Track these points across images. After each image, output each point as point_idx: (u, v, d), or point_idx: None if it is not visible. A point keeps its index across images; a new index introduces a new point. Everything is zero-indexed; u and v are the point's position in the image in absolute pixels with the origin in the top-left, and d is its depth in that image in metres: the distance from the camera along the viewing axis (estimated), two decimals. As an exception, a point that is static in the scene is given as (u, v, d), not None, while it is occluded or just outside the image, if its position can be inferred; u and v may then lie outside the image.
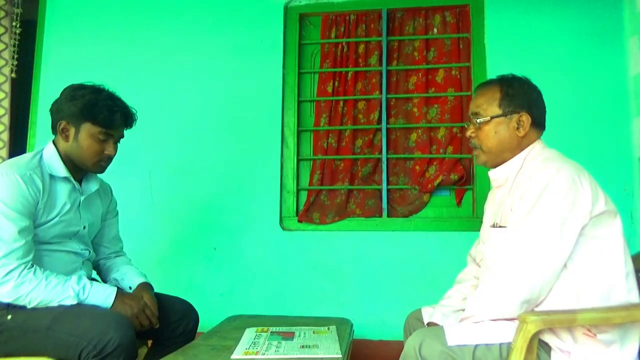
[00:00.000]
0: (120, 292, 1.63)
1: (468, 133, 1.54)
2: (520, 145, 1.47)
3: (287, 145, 2.72)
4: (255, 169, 2.68)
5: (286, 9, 2.79)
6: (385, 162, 2.64)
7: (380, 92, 2.69)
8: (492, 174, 1.54)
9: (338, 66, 2.76)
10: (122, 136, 1.72)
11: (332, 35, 2.79)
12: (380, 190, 2.65)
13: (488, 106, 1.48)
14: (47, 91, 2.87)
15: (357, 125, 2.73)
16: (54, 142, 1.68)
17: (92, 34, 2.90)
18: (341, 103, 2.75)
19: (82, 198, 1.71)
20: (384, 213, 2.61)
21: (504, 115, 1.46)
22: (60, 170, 1.64)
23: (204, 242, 2.67)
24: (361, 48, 2.77)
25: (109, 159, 1.68)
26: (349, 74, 2.75)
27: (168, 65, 2.81)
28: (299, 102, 2.76)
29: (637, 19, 2.39)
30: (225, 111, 2.74)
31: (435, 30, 2.74)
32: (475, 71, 2.62)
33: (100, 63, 2.84)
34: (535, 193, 1.33)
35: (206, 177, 2.70)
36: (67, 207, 1.65)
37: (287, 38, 2.77)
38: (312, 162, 2.75)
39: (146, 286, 1.78)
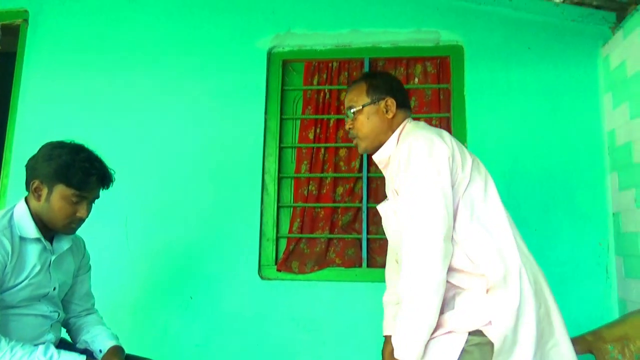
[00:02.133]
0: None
1: (347, 127, 1.73)
2: (391, 126, 1.67)
3: (267, 192, 2.70)
4: (235, 215, 2.64)
5: (269, 55, 2.80)
6: (366, 211, 2.63)
7: (362, 140, 2.70)
8: (376, 157, 1.71)
9: (320, 113, 2.77)
10: (97, 197, 1.67)
11: (315, 82, 2.80)
12: (360, 240, 2.63)
13: (358, 98, 1.68)
14: (23, 131, 2.82)
15: (338, 172, 2.72)
16: (26, 199, 1.63)
17: (73, 70, 2.86)
18: (322, 150, 2.75)
19: (53, 258, 1.66)
20: (364, 263, 2.59)
21: (372, 102, 1.67)
22: (31, 231, 1.58)
23: (180, 290, 2.61)
24: (343, 95, 2.73)
25: (81, 221, 1.63)
26: (331, 121, 2.76)
27: (148, 106, 2.78)
28: (281, 148, 2.75)
29: (611, 76, 2.46)
30: (206, 156, 2.71)
31: (416, 80, 2.77)
32: (455, 122, 2.66)
33: (79, 100, 2.81)
34: (403, 164, 1.49)
35: (184, 222, 2.65)
36: (37, 269, 1.59)
37: (269, 84, 2.78)
38: (292, 210, 2.73)
39: (117, 350, 1.71)
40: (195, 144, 2.72)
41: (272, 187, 2.70)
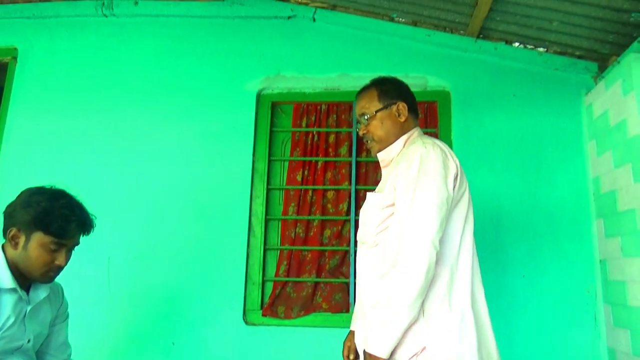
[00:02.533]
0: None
1: (361, 133, 1.75)
2: (402, 129, 1.70)
3: (254, 234, 2.66)
4: (220, 258, 2.60)
5: (259, 97, 2.81)
6: (353, 255, 2.61)
7: (350, 183, 2.70)
8: (381, 155, 1.73)
9: (308, 155, 2.77)
10: (77, 244, 1.63)
11: (303, 124, 2.82)
12: (347, 284, 2.59)
13: (370, 105, 1.71)
14: (6, 171, 2.76)
15: (325, 215, 2.71)
16: (2, 247, 1.58)
17: (60, 109, 2.84)
18: (310, 192, 2.73)
19: (29, 308, 1.60)
20: (352, 308, 2.54)
21: (384, 107, 1.69)
22: (7, 281, 1.53)
23: (162, 335, 2.53)
24: (332, 138, 2.80)
25: (59, 269, 1.59)
26: (319, 163, 2.75)
27: (136, 146, 2.75)
28: (268, 190, 2.73)
29: (595, 124, 2.51)
30: (192, 196, 2.67)
31: (404, 123, 2.79)
32: (443, 166, 2.66)
33: (65, 140, 2.79)
34: (414, 163, 1.50)
35: (168, 265, 2.59)
36: (11, 320, 1.53)
37: (258, 125, 2.78)
38: (279, 252, 2.69)
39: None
40: (181, 185, 2.69)
41: (258, 229, 2.66)
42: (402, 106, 1.69)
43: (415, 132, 1.71)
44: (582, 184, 2.55)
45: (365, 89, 1.77)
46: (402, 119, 1.68)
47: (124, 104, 2.80)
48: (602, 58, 2.59)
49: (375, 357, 1.40)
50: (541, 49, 2.69)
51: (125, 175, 2.71)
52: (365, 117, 1.71)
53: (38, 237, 1.52)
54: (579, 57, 2.65)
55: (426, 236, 1.40)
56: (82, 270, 2.38)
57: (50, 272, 1.58)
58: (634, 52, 2.14)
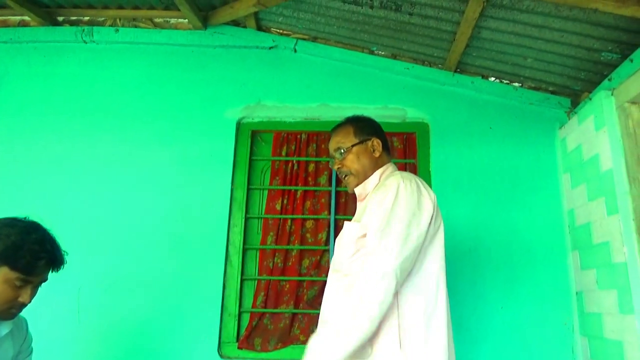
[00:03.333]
0: None
1: (335, 167, 1.79)
2: (377, 164, 1.75)
3: (231, 264, 2.61)
4: (196, 288, 2.53)
5: (239, 125, 2.81)
6: (332, 286, 2.57)
7: (329, 213, 2.69)
8: (357, 189, 1.77)
9: (288, 184, 2.76)
10: (45, 281, 1.56)
11: (283, 153, 2.81)
12: (326, 316, 2.55)
13: (346, 140, 1.76)
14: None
15: (304, 244, 2.68)
16: (-36, 279, 1.51)
17: (36, 134, 2.78)
18: (289, 221, 2.71)
19: (-10, 344, 1.52)
20: (329, 341, 2.49)
21: (360, 142, 1.75)
22: (-34, 317, 1.45)
23: (132, 370, 2.43)
24: (311, 167, 2.80)
25: (22, 306, 1.51)
26: (298, 193, 2.74)
27: (112, 173, 2.70)
28: (246, 219, 2.69)
29: (568, 158, 2.57)
30: (168, 224, 2.62)
31: (383, 154, 2.82)
32: (422, 196, 2.68)
33: (39, 165, 2.72)
34: (388, 197, 1.53)
35: (141, 296, 2.51)
36: (-30, 358, 1.45)
37: (237, 153, 2.76)
38: (256, 282, 2.64)
39: None
40: (157, 213, 2.63)
41: (236, 259, 2.62)
42: (377, 142, 1.75)
43: (390, 167, 1.77)
44: (557, 216, 2.59)
45: (340, 125, 1.82)
46: (377, 155, 1.75)
47: (101, 131, 2.76)
48: (574, 94, 2.68)
49: None
50: (516, 84, 2.77)
51: (99, 203, 2.65)
52: (341, 152, 1.75)
53: (4, 272, 1.45)
54: (553, 92, 2.73)
55: (388, 266, 1.42)
56: (50, 301, 2.28)
57: (12, 309, 1.50)
58: (605, 90, 2.22)
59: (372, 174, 1.74)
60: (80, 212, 2.64)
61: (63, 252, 1.59)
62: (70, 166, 2.71)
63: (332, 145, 1.79)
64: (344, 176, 1.78)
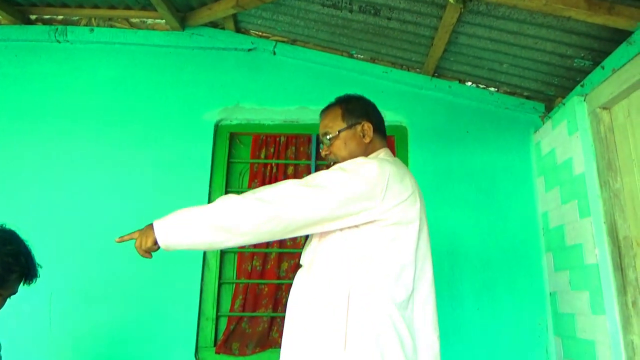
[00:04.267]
0: None
1: (323, 153, 1.65)
2: (367, 151, 1.60)
3: (208, 267, 2.58)
4: (173, 292, 2.49)
5: (217, 127, 2.78)
6: (311, 289, 2.57)
7: (308, 216, 2.68)
8: None
9: (266, 187, 2.74)
10: (15, 293, 1.52)
11: (262, 156, 2.80)
12: (304, 319, 2.54)
13: (334, 124, 1.61)
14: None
15: (283, 247, 2.67)
16: None
17: (6, 136, 2.70)
18: (268, 224, 2.69)
19: (-43, 353, 1.47)
20: (308, 344, 2.49)
21: (348, 127, 1.60)
22: None
23: (106, 376, 2.38)
24: (290, 170, 2.79)
25: None
26: (277, 195, 2.73)
27: (85, 176, 2.64)
28: (225, 222, 2.67)
29: (543, 161, 2.62)
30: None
31: (362, 157, 2.83)
32: (400, 199, 2.70)
33: (10, 168, 2.65)
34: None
35: (116, 300, 2.46)
36: None
37: (215, 156, 2.74)
38: (234, 286, 2.62)
39: None
40: (133, 216, 2.56)
41: (213, 263, 2.59)
42: (367, 126, 1.59)
43: (382, 153, 1.60)
44: (532, 219, 2.64)
45: (329, 106, 1.68)
46: (367, 140, 1.59)
47: (75, 133, 2.70)
48: (548, 99, 2.74)
49: (149, 229, 1.41)
50: (492, 89, 2.81)
51: (73, 206, 2.59)
52: (328, 137, 1.61)
53: None
54: (527, 97, 2.79)
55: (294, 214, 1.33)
56: (21, 307, 2.24)
57: None
58: (578, 95, 2.27)
59: None
60: (54, 215, 2.58)
61: (37, 266, 1.54)
62: (43, 169, 2.65)
63: (320, 129, 1.65)
64: (332, 163, 1.61)
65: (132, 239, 1.46)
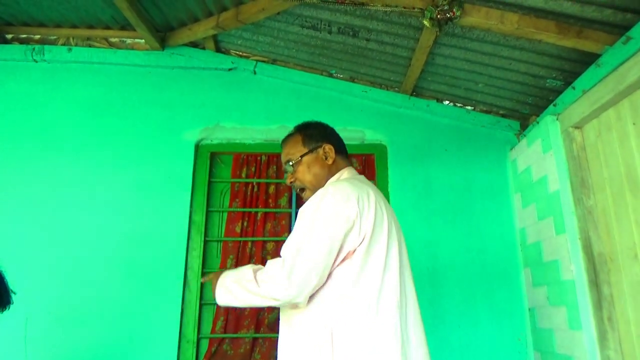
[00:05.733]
0: None
1: (288, 182, 1.68)
2: (331, 171, 1.64)
3: (189, 289, 2.55)
4: (153, 314, 2.46)
5: (197, 147, 2.77)
6: (293, 308, 2.56)
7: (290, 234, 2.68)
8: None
9: (248, 206, 2.74)
10: None
11: (243, 175, 2.80)
12: (287, 339, 2.53)
13: (295, 150, 1.65)
14: None
15: (265, 267, 2.65)
16: None
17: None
18: (250, 244, 2.69)
19: None
20: (291, 365, 2.47)
21: (310, 151, 1.64)
22: None
23: (84, 403, 2.32)
24: (272, 189, 2.79)
25: None
26: (259, 214, 2.73)
27: (62, 197, 2.60)
28: (205, 242, 2.65)
29: (519, 178, 2.68)
30: (124, 249, 2.54)
31: (343, 175, 2.85)
32: (381, 217, 2.72)
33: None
34: (309, 209, 1.46)
35: (93, 325, 2.41)
36: None
37: (196, 175, 2.72)
38: (215, 307, 2.59)
39: None
40: (112, 238, 2.55)
41: (194, 284, 2.56)
42: (329, 148, 1.63)
43: (346, 172, 1.64)
44: (510, 235, 2.69)
45: (289, 135, 1.72)
46: (330, 161, 1.62)
47: (53, 153, 2.66)
48: (523, 117, 2.81)
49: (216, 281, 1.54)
50: (469, 107, 2.88)
51: (50, 227, 2.54)
52: (291, 164, 1.64)
53: None
54: (503, 115, 2.86)
55: (282, 294, 1.38)
56: (-6, 334, 2.18)
57: None
58: (551, 115, 2.34)
59: (326, 183, 1.59)
60: (29, 236, 2.53)
61: (11, 292, 1.51)
62: (20, 190, 2.59)
63: (283, 158, 1.69)
64: (298, 190, 1.66)
65: (209, 280, 1.63)
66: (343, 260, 1.42)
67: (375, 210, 1.45)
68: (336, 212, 1.40)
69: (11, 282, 1.55)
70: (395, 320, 1.39)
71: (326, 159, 1.63)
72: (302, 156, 1.63)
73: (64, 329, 2.40)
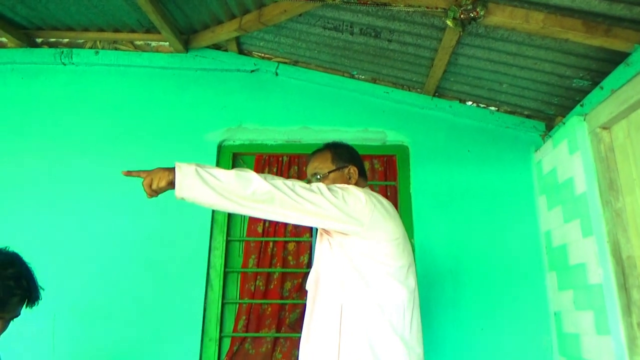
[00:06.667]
0: None
1: None
2: None
3: (212, 288, 2.58)
4: (176, 313, 2.49)
5: (220, 148, 2.80)
6: (314, 309, 2.56)
7: (311, 235, 2.69)
8: None
9: (269, 206, 2.75)
10: (17, 315, 1.52)
11: (265, 175, 2.81)
12: (308, 340, 2.53)
13: (324, 166, 1.77)
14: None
15: (286, 267, 2.67)
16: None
17: (11, 157, 2.73)
18: (271, 244, 2.70)
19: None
20: (312, 365, 2.47)
21: (337, 169, 1.76)
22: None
23: (109, 399, 2.37)
24: (293, 189, 2.80)
25: None
26: (280, 215, 2.74)
27: (88, 197, 2.66)
28: (228, 242, 2.68)
29: (544, 180, 2.63)
30: (147, 249, 2.58)
31: (364, 176, 2.84)
32: (403, 218, 2.69)
33: (15, 188, 2.66)
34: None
35: (118, 322, 2.46)
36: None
37: (219, 176, 2.75)
38: (237, 306, 2.61)
39: None
40: (136, 237, 2.60)
41: (217, 283, 2.59)
42: (354, 170, 1.76)
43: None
44: (534, 237, 2.64)
45: (319, 150, 1.84)
46: (352, 182, 1.74)
47: (79, 154, 2.73)
48: (548, 118, 2.76)
49: (165, 171, 1.53)
50: (493, 108, 2.84)
51: (77, 226, 2.60)
52: (317, 177, 1.75)
53: None
54: (528, 116, 2.81)
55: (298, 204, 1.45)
56: (24, 329, 2.23)
57: None
58: (577, 115, 2.29)
59: None
60: (57, 235, 2.59)
61: (39, 288, 1.55)
62: (48, 189, 2.66)
63: (310, 170, 1.80)
64: None
65: (139, 176, 1.57)
66: (357, 240, 1.55)
67: (389, 212, 1.62)
68: (349, 188, 1.58)
69: (40, 279, 1.59)
70: (401, 305, 1.53)
71: (350, 179, 1.75)
72: (329, 172, 1.75)
73: (90, 326, 2.45)
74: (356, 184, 1.73)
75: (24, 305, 1.51)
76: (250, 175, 1.46)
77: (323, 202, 1.47)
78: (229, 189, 1.44)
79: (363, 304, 1.51)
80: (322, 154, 1.81)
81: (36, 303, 1.54)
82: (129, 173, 1.59)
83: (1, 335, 1.55)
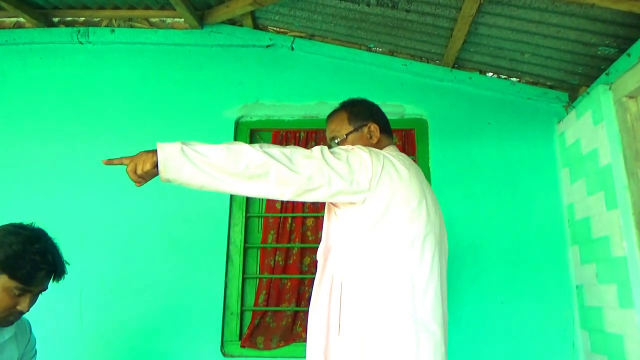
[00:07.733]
0: None
1: None
2: None
3: (232, 263, 2.62)
4: (197, 288, 2.54)
5: (237, 124, 2.80)
6: (333, 283, 2.58)
7: (329, 211, 2.69)
8: None
9: (287, 182, 2.76)
10: (44, 290, 1.56)
11: (282, 151, 2.81)
12: (327, 313, 2.56)
13: (341, 127, 1.65)
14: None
15: (305, 242, 2.68)
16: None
17: (32, 137, 2.77)
18: (289, 220, 2.72)
19: (-7, 349, 1.52)
20: (332, 338, 2.51)
21: (355, 130, 1.64)
22: (-33, 322, 1.46)
23: (135, 370, 2.45)
24: (311, 165, 2.79)
25: (20, 314, 1.51)
26: (298, 191, 2.74)
27: (109, 175, 2.66)
28: (247, 218, 2.70)
29: (567, 152, 2.57)
30: (168, 225, 2.62)
31: (382, 150, 2.82)
32: (421, 193, 2.69)
33: (37, 167, 2.72)
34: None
35: (142, 296, 2.52)
36: (-27, 362, 1.46)
37: (236, 152, 2.76)
38: (258, 281, 2.65)
39: None
40: (157, 214, 2.64)
41: (237, 258, 2.62)
42: (374, 127, 1.64)
43: (389, 149, 1.62)
44: (556, 211, 2.60)
45: (335, 112, 1.72)
46: (374, 141, 1.63)
47: (98, 131, 2.76)
48: (572, 88, 2.68)
49: (147, 154, 1.39)
50: (514, 79, 2.77)
51: (99, 204, 2.65)
52: (336, 141, 1.64)
53: (3, 281, 1.45)
54: (550, 87, 2.73)
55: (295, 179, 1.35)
56: (53, 304, 2.29)
57: (10, 317, 1.51)
58: (603, 84, 2.22)
59: None
60: (81, 213, 2.65)
61: (65, 263, 1.59)
62: (69, 168, 2.71)
63: (328, 134, 1.70)
64: None
65: (122, 164, 1.44)
66: (359, 210, 1.43)
67: (401, 174, 1.45)
68: (354, 149, 1.46)
69: (66, 255, 1.63)
70: (409, 280, 1.40)
71: (371, 137, 1.63)
72: (347, 134, 1.64)
73: (116, 300, 2.52)
74: (378, 142, 1.62)
75: (51, 280, 1.55)
76: (241, 147, 1.37)
77: (323, 172, 1.36)
78: (219, 166, 1.35)
79: (365, 278, 1.40)
80: (338, 114, 1.69)
81: (62, 277, 1.58)
82: (110, 162, 1.45)
83: (31, 309, 1.61)
